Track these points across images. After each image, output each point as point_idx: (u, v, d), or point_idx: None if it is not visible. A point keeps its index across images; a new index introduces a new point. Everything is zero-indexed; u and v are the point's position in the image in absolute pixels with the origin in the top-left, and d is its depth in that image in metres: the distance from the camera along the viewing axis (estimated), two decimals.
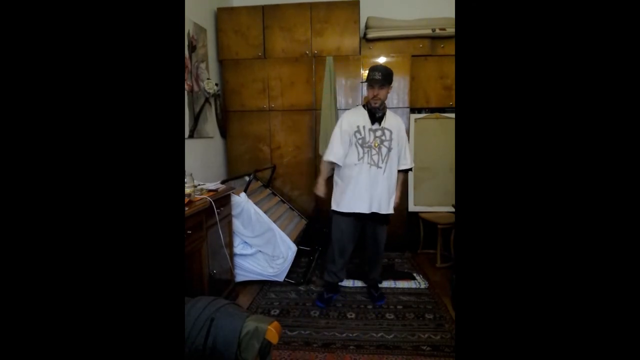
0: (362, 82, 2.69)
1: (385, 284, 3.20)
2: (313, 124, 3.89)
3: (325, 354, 2.25)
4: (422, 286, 3.17)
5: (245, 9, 3.89)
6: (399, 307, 2.83)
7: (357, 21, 3.76)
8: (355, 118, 2.72)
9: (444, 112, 3.97)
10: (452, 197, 3.53)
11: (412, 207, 4.03)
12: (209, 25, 3.76)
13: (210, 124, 3.68)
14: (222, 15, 3.88)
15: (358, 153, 2.68)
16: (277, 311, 2.81)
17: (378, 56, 3.80)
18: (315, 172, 3.91)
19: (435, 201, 4.00)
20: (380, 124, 2.69)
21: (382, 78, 2.58)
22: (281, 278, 3.20)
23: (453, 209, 3.37)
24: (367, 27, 3.95)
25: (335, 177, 2.85)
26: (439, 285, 3.20)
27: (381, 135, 2.68)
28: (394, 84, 3.73)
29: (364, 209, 2.70)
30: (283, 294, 3.10)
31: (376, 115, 2.69)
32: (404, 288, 3.14)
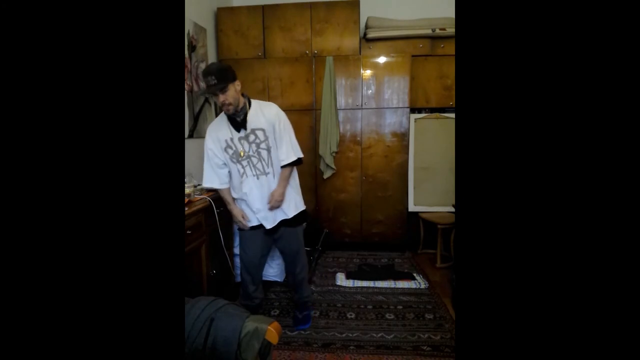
0: (200, 94, 2.34)
1: (386, 284, 3.19)
2: (313, 124, 3.88)
3: (325, 354, 2.24)
4: (422, 286, 3.17)
5: (245, 8, 3.88)
6: (399, 307, 2.82)
7: (357, 21, 3.76)
8: (218, 132, 2.33)
9: (444, 112, 3.97)
10: (452, 197, 3.53)
11: (412, 207, 4.03)
12: (208, 25, 3.76)
13: (209, 123, 3.63)
14: (222, 15, 3.88)
15: (238, 170, 2.34)
16: (277, 311, 2.81)
17: (378, 56, 3.80)
18: (316, 172, 3.93)
19: (435, 201, 4.00)
20: (247, 128, 2.28)
21: (218, 81, 2.11)
22: (281, 278, 3.20)
23: (453, 209, 3.37)
24: (367, 27, 3.94)
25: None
26: (439, 286, 3.20)
27: (255, 140, 2.29)
28: (394, 83, 3.77)
29: (269, 224, 2.41)
30: (283, 294, 3.09)
31: (238, 120, 2.27)
32: (404, 288, 3.14)
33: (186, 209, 2.23)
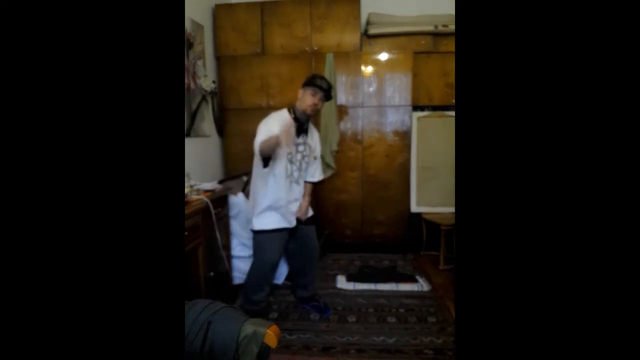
0: (306, 86, 2.38)
1: (387, 286, 3.13)
2: (312, 122, 3.79)
3: (325, 358, 2.20)
4: (425, 289, 3.11)
5: (244, 5, 3.83)
6: (401, 310, 2.76)
7: (358, 17, 3.70)
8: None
9: (447, 110, 3.90)
10: None
11: (414, 208, 3.97)
12: (206, 21, 3.71)
13: (207, 122, 3.61)
14: (220, 12, 3.83)
15: (287, 169, 2.45)
16: (276, 314, 2.75)
17: (379, 52, 3.75)
18: None
19: (438, 202, 3.93)
20: (305, 139, 2.50)
21: (328, 89, 2.40)
22: (280, 281, 3.14)
23: None
24: (368, 23, 3.89)
25: (255, 191, 2.56)
26: (442, 288, 3.14)
27: (303, 151, 2.50)
28: (396, 81, 3.75)
29: (293, 223, 2.55)
30: (282, 297, 3.03)
31: (304, 127, 2.47)
32: (406, 291, 3.08)
33: None
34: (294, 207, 2.57)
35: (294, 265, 2.86)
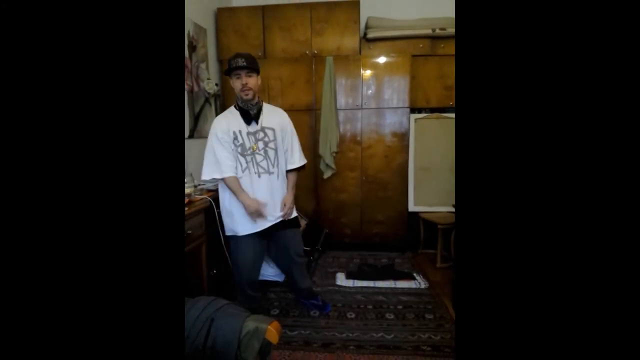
0: (229, 76, 2.32)
1: (386, 284, 3.18)
2: (313, 124, 3.88)
3: (325, 354, 2.24)
4: (422, 286, 3.16)
5: (245, 9, 3.88)
6: (399, 307, 2.81)
7: (357, 21, 3.75)
8: (227, 123, 2.32)
9: (445, 112, 3.95)
10: (452, 197, 3.51)
11: (412, 207, 4.02)
12: (209, 25, 3.76)
13: (210, 124, 3.63)
14: (222, 16, 3.88)
15: (240, 164, 2.32)
16: (277, 311, 2.80)
17: (378, 56, 3.79)
18: (316, 172, 3.93)
19: (436, 201, 3.99)
20: (257, 124, 2.35)
21: (247, 64, 2.21)
22: (281, 278, 3.17)
23: (453, 209, 3.35)
24: (367, 27, 3.94)
25: (222, 199, 2.44)
26: (439, 285, 3.19)
27: (263, 137, 2.35)
28: (394, 83, 3.77)
29: (269, 222, 2.42)
30: (283, 293, 3.08)
31: (251, 113, 2.33)
32: (404, 288, 3.13)
33: (186, 209, 2.23)
34: (279, 202, 2.46)
35: (283, 270, 2.85)
